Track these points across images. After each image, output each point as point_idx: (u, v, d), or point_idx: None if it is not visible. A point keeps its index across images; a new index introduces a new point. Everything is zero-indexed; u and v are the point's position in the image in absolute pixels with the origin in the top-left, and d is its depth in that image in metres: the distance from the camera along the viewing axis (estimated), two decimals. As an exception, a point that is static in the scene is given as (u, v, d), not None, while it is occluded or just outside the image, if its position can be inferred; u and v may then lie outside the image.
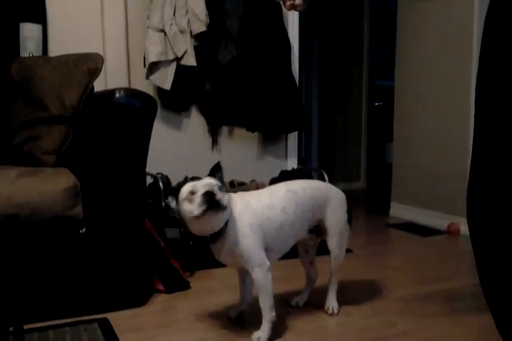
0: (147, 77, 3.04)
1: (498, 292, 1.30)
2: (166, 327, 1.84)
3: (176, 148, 3.30)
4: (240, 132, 3.46)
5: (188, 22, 3.03)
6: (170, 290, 2.18)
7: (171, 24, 3.01)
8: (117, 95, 1.91)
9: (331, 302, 1.95)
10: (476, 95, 1.32)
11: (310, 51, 5.21)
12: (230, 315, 1.90)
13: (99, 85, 2.26)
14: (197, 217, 1.53)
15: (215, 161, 3.39)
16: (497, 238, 1.27)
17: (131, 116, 1.94)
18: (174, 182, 3.13)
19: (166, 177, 3.02)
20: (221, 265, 2.50)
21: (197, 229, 1.61)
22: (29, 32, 2.71)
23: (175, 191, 1.58)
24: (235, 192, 3.16)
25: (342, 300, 1.99)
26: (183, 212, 1.57)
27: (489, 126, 1.28)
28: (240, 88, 3.21)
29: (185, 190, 1.56)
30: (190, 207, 1.53)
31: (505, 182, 1.23)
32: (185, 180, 3.09)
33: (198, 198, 1.52)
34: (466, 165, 2.44)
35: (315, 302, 2.03)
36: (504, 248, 1.25)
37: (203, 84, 3.21)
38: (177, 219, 3.06)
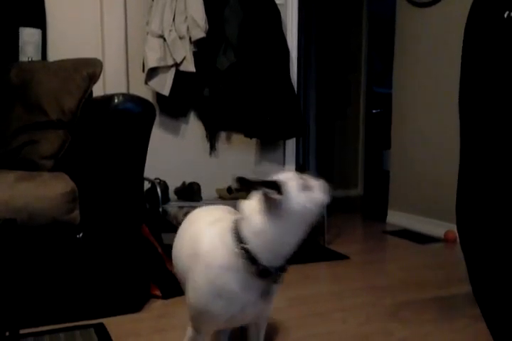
0: (146, 83, 3.04)
1: (490, 300, 1.31)
2: (163, 332, 1.84)
3: (174, 154, 3.30)
4: (238, 138, 3.46)
5: (188, 28, 3.04)
6: (166, 295, 2.17)
7: (170, 30, 3.02)
8: (116, 100, 1.91)
9: None
10: (459, 108, 1.33)
11: (308, 58, 5.23)
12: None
13: (97, 90, 2.27)
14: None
15: (213, 167, 3.41)
16: (486, 247, 1.28)
17: (129, 121, 1.94)
18: (172, 188, 3.13)
19: (164, 182, 3.02)
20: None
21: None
22: (28, 36, 2.71)
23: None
24: (233, 198, 3.17)
25: (338, 307, 1.99)
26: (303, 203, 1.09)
27: (474, 136, 1.29)
28: (239, 94, 3.22)
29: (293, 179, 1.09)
30: (317, 195, 1.12)
31: (492, 190, 1.24)
32: (183, 186, 3.12)
33: (317, 185, 1.12)
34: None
35: (311, 310, 2.03)
36: (493, 257, 1.26)
37: (201, 90, 3.22)
38: (174, 225, 3.07)
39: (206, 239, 1.16)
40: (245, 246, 1.07)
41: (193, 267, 1.15)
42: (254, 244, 1.07)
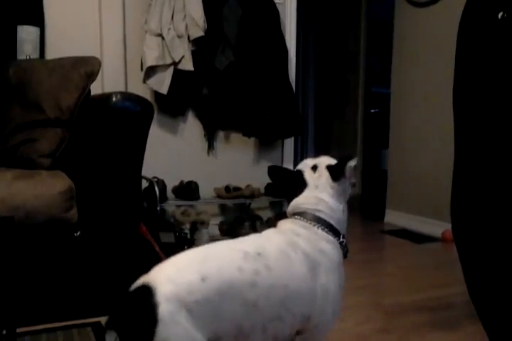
0: (144, 81, 3.04)
1: (485, 300, 1.31)
2: (160, 331, 1.84)
3: (172, 153, 3.30)
4: (236, 137, 3.46)
5: (186, 27, 3.04)
6: (164, 294, 2.16)
7: (169, 29, 3.01)
8: (114, 99, 1.91)
9: None
10: (453, 108, 1.33)
11: (307, 57, 5.23)
12: None
13: (96, 89, 2.26)
14: None
15: (211, 166, 3.41)
16: (481, 247, 1.28)
17: (127, 120, 1.94)
18: (170, 187, 3.13)
19: (162, 181, 3.02)
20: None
21: None
22: (27, 34, 2.71)
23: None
24: (229, 197, 3.17)
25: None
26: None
27: (468, 136, 1.29)
28: (237, 93, 3.22)
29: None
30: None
31: (486, 191, 1.24)
32: (181, 185, 3.12)
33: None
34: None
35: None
36: (488, 257, 1.27)
37: (200, 89, 3.21)
38: (172, 223, 3.08)
39: (313, 247, 1.12)
40: (340, 232, 1.18)
41: (323, 281, 1.11)
42: (340, 226, 1.19)
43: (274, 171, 1.27)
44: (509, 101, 1.18)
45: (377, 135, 5.32)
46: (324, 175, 1.19)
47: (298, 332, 1.11)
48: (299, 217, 1.18)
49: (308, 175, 1.21)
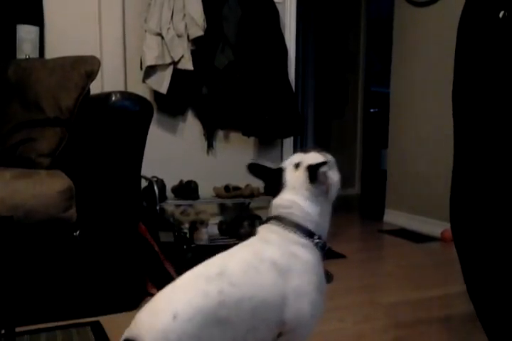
0: (144, 81, 3.04)
1: (484, 299, 1.31)
2: (159, 331, 1.83)
3: (172, 152, 3.30)
4: (235, 136, 3.46)
5: (186, 26, 3.03)
6: (163, 294, 2.17)
7: (169, 28, 3.01)
8: (113, 98, 1.91)
9: None
10: (453, 107, 1.33)
11: (306, 57, 5.23)
12: None
13: (95, 88, 2.26)
14: None
15: (211, 165, 3.41)
16: (480, 246, 1.28)
17: (127, 119, 1.94)
18: (169, 186, 3.13)
19: (161, 180, 3.02)
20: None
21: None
22: (26, 34, 2.70)
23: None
24: (229, 196, 3.17)
25: (335, 306, 1.99)
26: (335, 182, 1.23)
27: (467, 135, 1.29)
28: (237, 93, 3.22)
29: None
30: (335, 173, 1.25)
31: (485, 190, 1.24)
32: (181, 184, 3.12)
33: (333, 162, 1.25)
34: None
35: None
36: (487, 256, 1.27)
37: (199, 89, 3.21)
38: (171, 223, 3.08)
39: (283, 253, 1.11)
40: (315, 234, 1.15)
41: (296, 284, 1.09)
42: (317, 228, 1.16)
43: (254, 169, 1.24)
44: (509, 101, 1.18)
45: (377, 135, 5.33)
46: (302, 175, 1.16)
47: (280, 334, 1.10)
48: (274, 222, 1.16)
49: (288, 174, 1.18)
